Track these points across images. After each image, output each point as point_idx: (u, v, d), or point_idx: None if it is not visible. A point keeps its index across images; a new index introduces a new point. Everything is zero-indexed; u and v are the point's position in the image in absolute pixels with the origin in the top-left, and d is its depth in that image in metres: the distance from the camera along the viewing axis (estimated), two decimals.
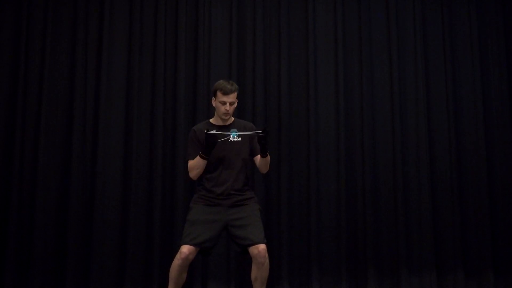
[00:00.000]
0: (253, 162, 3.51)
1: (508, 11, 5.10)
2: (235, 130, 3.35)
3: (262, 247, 3.22)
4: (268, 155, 3.38)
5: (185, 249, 3.21)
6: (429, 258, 4.65)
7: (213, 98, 3.41)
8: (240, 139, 3.38)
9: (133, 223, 4.46)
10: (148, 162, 4.57)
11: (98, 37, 4.62)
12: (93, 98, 4.57)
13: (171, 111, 4.63)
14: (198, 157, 3.29)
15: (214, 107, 3.43)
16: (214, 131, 3.23)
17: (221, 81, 3.43)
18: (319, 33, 4.85)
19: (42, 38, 4.58)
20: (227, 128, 3.41)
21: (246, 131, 3.42)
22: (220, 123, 3.43)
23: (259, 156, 3.43)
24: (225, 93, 3.34)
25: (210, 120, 3.49)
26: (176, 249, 4.25)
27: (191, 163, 3.35)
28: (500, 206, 4.84)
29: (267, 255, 3.23)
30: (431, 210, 4.72)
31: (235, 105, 3.41)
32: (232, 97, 3.36)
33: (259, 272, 3.23)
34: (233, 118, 3.49)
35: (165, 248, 4.46)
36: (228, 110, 3.37)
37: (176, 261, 3.24)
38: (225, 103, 3.35)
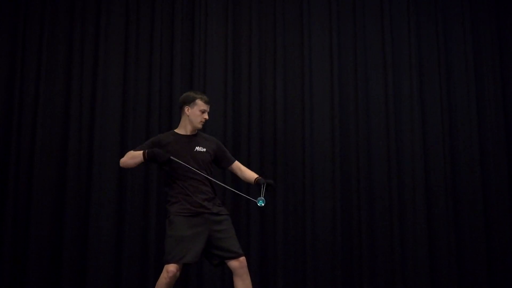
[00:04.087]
0: (225, 170, 3.64)
1: (502, 27, 5.18)
2: (262, 199, 3.33)
3: (242, 258, 3.25)
4: None
5: (173, 267, 3.14)
6: (425, 274, 4.64)
7: (187, 107, 3.38)
8: (204, 150, 3.36)
9: (129, 225, 4.49)
10: (144, 167, 4.56)
11: (94, 53, 4.69)
12: (88, 113, 4.63)
13: (167, 124, 4.66)
14: (141, 154, 3.24)
15: (188, 115, 3.37)
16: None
17: (193, 92, 3.51)
18: (315, 49, 4.90)
19: (38, 47, 4.66)
20: (192, 138, 3.38)
21: (209, 144, 3.43)
22: (187, 132, 3.40)
23: (238, 165, 3.52)
24: (207, 102, 3.40)
25: (175, 130, 3.45)
26: None
27: (132, 152, 3.31)
28: (495, 222, 4.84)
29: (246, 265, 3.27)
30: (426, 226, 4.72)
31: None
32: (209, 108, 3.44)
33: (244, 284, 3.23)
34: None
35: (161, 250, 4.39)
36: (207, 119, 3.41)
37: (164, 280, 3.16)
38: (205, 111, 3.38)
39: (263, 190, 3.31)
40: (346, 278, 4.63)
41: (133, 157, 3.30)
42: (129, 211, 4.53)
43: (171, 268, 3.14)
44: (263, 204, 3.30)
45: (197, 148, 3.37)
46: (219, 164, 3.52)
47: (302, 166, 4.73)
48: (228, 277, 4.42)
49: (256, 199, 3.31)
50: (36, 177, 4.49)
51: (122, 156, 4.44)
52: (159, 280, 3.20)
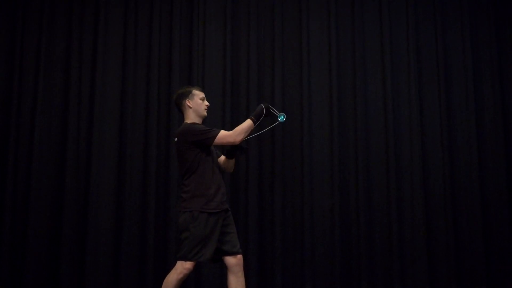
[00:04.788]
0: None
1: (500, 28, 5.19)
2: (283, 114, 3.43)
3: (240, 256, 3.27)
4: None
5: (191, 265, 3.16)
6: (423, 273, 4.65)
7: (188, 100, 3.39)
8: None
9: (128, 225, 4.51)
10: (142, 167, 4.63)
11: (92, 52, 4.72)
12: (87, 111, 4.65)
13: (165, 125, 4.70)
14: (250, 122, 3.27)
15: (191, 108, 3.35)
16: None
17: (184, 87, 3.52)
18: (313, 47, 4.91)
19: (37, 51, 4.69)
20: None
21: None
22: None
23: (222, 157, 3.50)
24: (201, 90, 3.47)
25: (187, 122, 3.42)
26: (169, 255, 4.37)
27: (237, 129, 3.26)
28: (493, 224, 4.86)
29: None
30: (425, 226, 4.73)
31: None
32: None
33: (239, 281, 3.24)
34: None
35: (159, 250, 4.50)
36: (208, 105, 3.45)
37: (176, 276, 3.16)
38: (204, 98, 3.43)
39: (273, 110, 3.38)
40: (345, 276, 4.64)
41: (247, 129, 3.29)
42: (128, 210, 4.55)
43: (188, 266, 3.16)
44: (284, 119, 3.37)
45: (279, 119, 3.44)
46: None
47: (301, 164, 4.75)
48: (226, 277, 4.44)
49: (277, 118, 3.38)
50: (35, 175, 4.51)
51: (121, 154, 4.60)
52: (170, 276, 3.18)
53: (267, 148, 4.75)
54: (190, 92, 3.41)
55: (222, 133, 3.27)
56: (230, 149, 3.38)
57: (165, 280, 3.20)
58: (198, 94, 3.41)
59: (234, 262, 3.24)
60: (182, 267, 3.16)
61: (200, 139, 3.26)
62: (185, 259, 3.16)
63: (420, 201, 4.77)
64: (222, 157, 3.49)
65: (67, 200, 4.51)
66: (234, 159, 3.44)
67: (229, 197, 4.52)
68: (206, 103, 3.43)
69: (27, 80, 4.66)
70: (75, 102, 4.66)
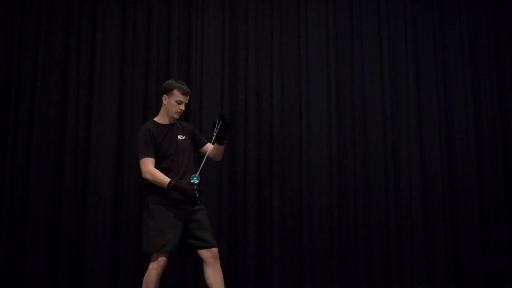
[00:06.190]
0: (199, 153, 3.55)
1: (498, 25, 5.21)
2: (196, 176, 3.26)
3: (214, 249, 3.28)
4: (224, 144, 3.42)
5: (163, 257, 3.19)
6: (421, 272, 4.67)
7: (165, 96, 3.36)
8: (184, 137, 3.37)
9: (126, 226, 4.52)
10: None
11: (90, 49, 4.71)
12: (85, 109, 4.64)
13: None
14: (167, 182, 3.18)
15: (165, 104, 3.34)
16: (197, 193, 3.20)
17: (173, 81, 3.43)
18: (311, 44, 4.92)
19: (35, 46, 4.67)
20: (172, 127, 3.37)
21: (188, 130, 3.44)
22: (166, 122, 3.38)
23: (209, 145, 3.46)
24: (184, 93, 3.35)
25: (155, 119, 3.42)
26: None
27: (154, 172, 3.22)
28: (490, 222, 4.87)
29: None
30: (423, 225, 4.75)
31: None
32: (188, 99, 3.40)
33: (216, 274, 3.25)
34: None
35: None
36: (183, 110, 3.38)
37: (154, 271, 3.19)
38: (181, 103, 3.35)
39: (217, 126, 3.29)
40: (343, 275, 4.65)
41: (159, 182, 3.22)
42: (126, 208, 4.55)
43: (161, 258, 3.19)
44: (196, 181, 3.22)
45: (179, 136, 3.37)
46: (194, 147, 3.51)
47: (299, 163, 4.75)
48: (226, 275, 4.44)
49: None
50: (33, 172, 4.50)
51: (119, 152, 4.59)
52: (147, 273, 3.21)
53: (265, 148, 4.75)
54: (171, 90, 3.36)
55: (144, 161, 3.26)
56: (218, 134, 3.33)
57: (145, 277, 3.24)
58: (176, 96, 3.35)
59: (209, 255, 3.26)
60: (155, 261, 3.20)
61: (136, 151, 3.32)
62: (146, 251, 3.22)
63: (418, 200, 4.78)
64: (208, 146, 3.48)
65: (66, 198, 4.50)
66: (223, 145, 3.41)
67: (227, 197, 4.58)
68: (181, 107, 3.36)
69: (25, 76, 4.63)
70: (73, 100, 4.63)
